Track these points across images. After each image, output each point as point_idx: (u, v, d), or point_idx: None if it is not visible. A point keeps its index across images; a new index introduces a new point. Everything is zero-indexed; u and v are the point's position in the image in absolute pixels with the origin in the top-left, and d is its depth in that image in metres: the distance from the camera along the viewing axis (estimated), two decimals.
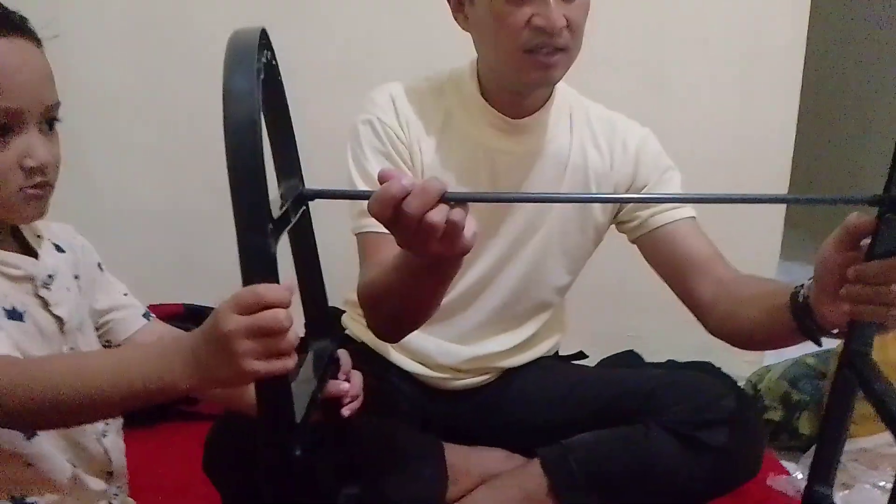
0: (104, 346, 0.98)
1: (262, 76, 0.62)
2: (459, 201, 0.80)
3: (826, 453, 0.91)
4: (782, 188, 1.98)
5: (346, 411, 0.91)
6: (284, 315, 0.64)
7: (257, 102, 0.59)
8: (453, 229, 0.79)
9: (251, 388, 0.66)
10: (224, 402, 1.04)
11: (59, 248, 0.93)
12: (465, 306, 1.30)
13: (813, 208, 2.07)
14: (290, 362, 0.65)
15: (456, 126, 1.23)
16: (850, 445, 1.42)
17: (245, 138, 0.58)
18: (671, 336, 2.02)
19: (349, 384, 0.92)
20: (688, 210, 1.23)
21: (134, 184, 1.94)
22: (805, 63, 1.94)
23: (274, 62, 0.69)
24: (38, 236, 0.91)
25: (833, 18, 3.03)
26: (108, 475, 0.94)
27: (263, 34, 0.65)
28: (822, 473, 0.91)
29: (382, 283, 1.03)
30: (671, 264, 1.22)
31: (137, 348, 0.79)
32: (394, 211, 0.78)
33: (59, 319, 0.88)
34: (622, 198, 1.29)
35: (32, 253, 0.89)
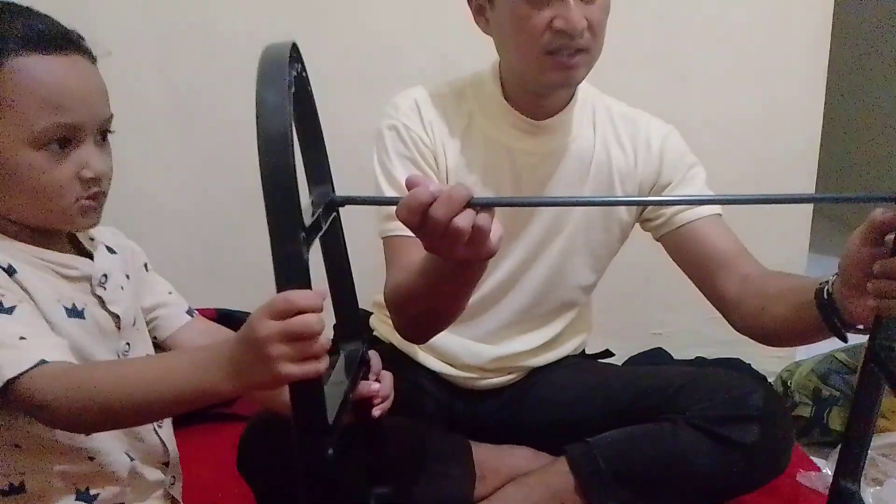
0: (152, 341, 1.03)
1: (292, 89, 0.64)
2: (485, 206, 0.82)
3: (853, 449, 0.91)
4: (809, 181, 1.96)
5: (376, 412, 0.93)
6: (316, 319, 0.66)
7: (289, 116, 0.61)
8: (479, 234, 0.81)
9: (286, 390, 0.68)
10: (262, 402, 1.08)
11: (110, 250, 0.98)
12: (491, 306, 1.32)
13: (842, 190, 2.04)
14: (321, 365, 0.67)
15: (478, 128, 1.24)
16: (880, 440, 1.42)
17: (278, 151, 0.60)
18: (699, 332, 2.03)
19: (379, 385, 0.93)
20: (712, 207, 1.23)
21: (163, 188, 1.97)
22: (830, 54, 1.92)
23: (304, 74, 0.71)
24: (92, 239, 0.96)
25: (860, 10, 3.00)
26: (165, 465, 0.99)
27: (294, 48, 0.67)
28: (850, 469, 0.92)
29: (409, 286, 1.05)
30: (696, 262, 1.22)
31: (181, 356, 0.82)
32: (421, 216, 0.80)
33: (115, 316, 0.93)
34: (646, 200, 1.29)
35: (87, 255, 0.93)
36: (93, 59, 0.89)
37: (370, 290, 1.37)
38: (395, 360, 1.32)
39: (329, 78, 1.94)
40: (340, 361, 0.86)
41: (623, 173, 1.27)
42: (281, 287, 0.65)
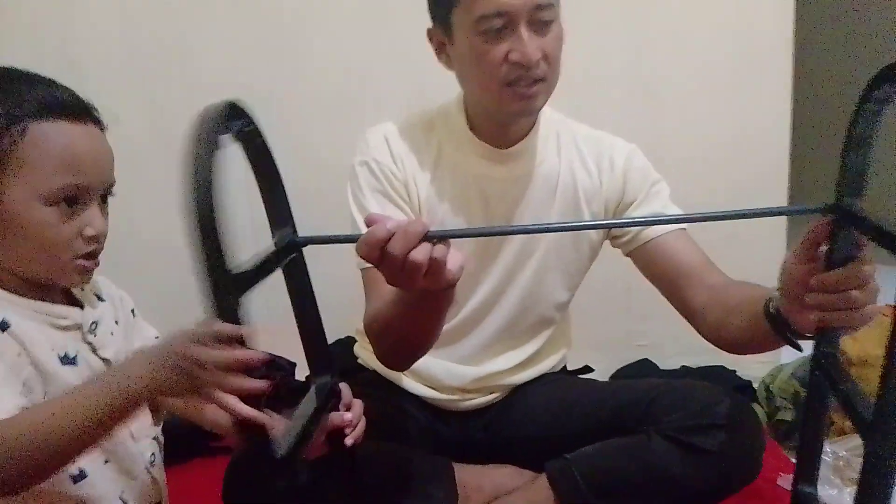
0: None
1: (217, 148, 0.67)
2: (441, 238, 0.86)
3: (808, 453, 0.94)
4: (781, 190, 2.00)
5: (348, 440, 0.96)
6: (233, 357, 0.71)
7: (211, 174, 0.64)
8: (436, 265, 0.85)
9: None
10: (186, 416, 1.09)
11: (99, 298, 1.03)
12: (470, 329, 1.35)
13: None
14: (243, 382, 0.71)
15: (447, 159, 1.28)
16: (853, 442, 1.45)
17: (201, 206, 0.64)
18: (684, 341, 2.01)
19: (350, 414, 0.97)
20: None
21: (157, 223, 2.01)
22: (797, 63, 1.96)
23: (249, 127, 0.76)
24: (81, 288, 1.01)
25: (821, 19, 3.05)
26: None
27: (233, 107, 0.72)
28: (807, 473, 0.94)
29: (383, 316, 1.09)
30: (664, 275, 1.26)
31: (98, 378, 0.85)
32: (380, 252, 0.85)
33: (106, 361, 0.97)
34: (604, 224, 1.34)
35: (78, 304, 0.98)
36: (103, 128, 0.96)
37: (353, 319, 1.41)
38: (380, 386, 1.37)
39: (308, 108, 2.01)
40: (310, 395, 0.90)
41: (589, 194, 1.30)
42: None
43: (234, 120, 0.72)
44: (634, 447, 1.23)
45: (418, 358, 1.18)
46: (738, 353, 1.17)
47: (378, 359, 1.23)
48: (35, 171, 0.88)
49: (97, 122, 0.95)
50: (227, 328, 0.70)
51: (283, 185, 0.86)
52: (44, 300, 0.94)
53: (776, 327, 0.97)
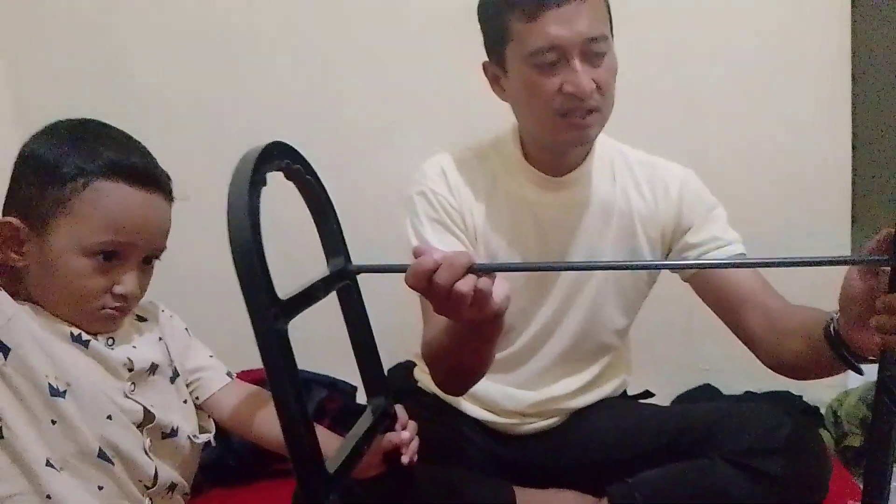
0: (193, 402, 1.11)
1: (263, 186, 0.72)
2: (487, 271, 0.89)
3: (875, 479, 0.91)
4: (844, 199, 1.94)
5: (404, 459, 0.98)
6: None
7: (249, 211, 0.68)
8: (481, 296, 0.88)
9: None
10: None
11: (140, 318, 1.08)
12: (529, 355, 1.37)
13: (881, 210, 1.98)
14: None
15: (502, 188, 1.31)
16: None
17: (243, 242, 0.67)
18: (748, 366, 1.98)
19: (407, 434, 0.99)
20: (735, 247, 1.26)
21: (202, 253, 2.07)
22: (856, 76, 1.91)
23: (296, 165, 0.80)
24: None
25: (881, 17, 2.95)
26: None
27: (277, 146, 0.76)
28: (875, 500, 0.92)
29: (437, 343, 1.12)
30: (722, 301, 1.26)
31: None
32: (427, 282, 0.88)
33: (128, 359, 1.00)
34: (655, 264, 1.33)
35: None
36: (170, 199, 1.01)
37: (412, 344, 1.43)
38: (439, 410, 1.39)
39: (352, 142, 2.05)
40: (366, 415, 0.92)
41: (645, 219, 1.31)
42: (266, 356, 0.69)
43: (278, 160, 0.76)
44: (697, 471, 1.22)
45: (472, 384, 1.20)
46: (799, 379, 1.17)
47: (435, 384, 1.25)
48: (82, 222, 0.92)
49: (164, 191, 0.99)
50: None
51: (336, 217, 0.90)
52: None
53: (836, 350, 0.96)
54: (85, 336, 0.97)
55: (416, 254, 0.89)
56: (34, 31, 2.06)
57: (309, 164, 0.83)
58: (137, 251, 0.97)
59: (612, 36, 1.20)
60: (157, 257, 1.01)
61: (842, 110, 1.92)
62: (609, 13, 1.20)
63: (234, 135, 2.03)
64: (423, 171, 1.32)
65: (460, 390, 1.26)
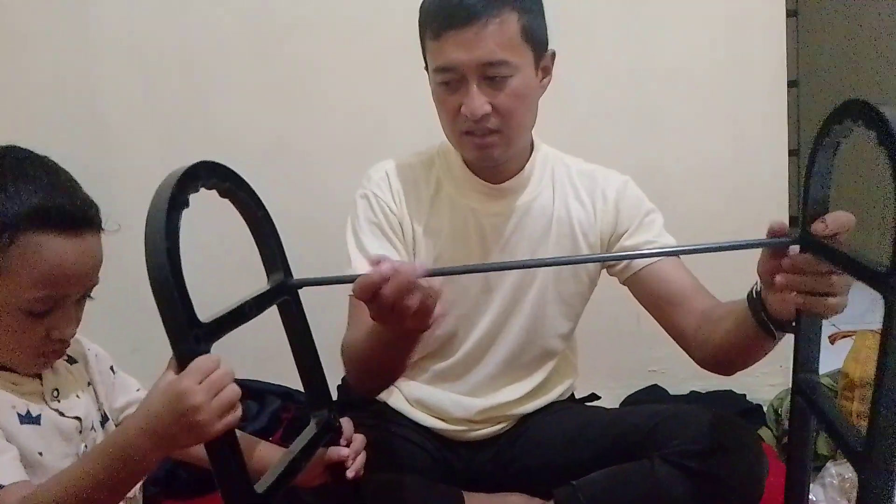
0: None
1: (184, 208, 0.71)
2: (436, 275, 0.91)
3: (795, 478, 0.94)
4: (782, 210, 2.02)
5: (349, 473, 0.99)
6: (224, 371, 0.73)
7: (171, 235, 0.68)
8: (424, 310, 0.90)
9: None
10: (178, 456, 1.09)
11: (71, 360, 1.04)
12: (475, 362, 1.38)
13: None
14: (238, 411, 0.74)
15: (446, 194, 1.33)
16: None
17: (159, 266, 0.67)
18: (692, 366, 2.04)
19: (349, 449, 0.99)
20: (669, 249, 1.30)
21: None
22: (801, 93, 2.00)
23: (226, 184, 0.81)
24: None
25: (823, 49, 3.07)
26: None
27: (203, 167, 0.76)
28: (795, 499, 0.95)
29: (358, 346, 1.15)
30: (657, 301, 1.30)
31: (97, 455, 0.81)
32: (373, 295, 0.89)
33: (78, 419, 0.98)
34: (583, 258, 1.36)
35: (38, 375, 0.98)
36: (99, 230, 0.94)
37: None
38: (388, 418, 1.40)
39: (322, 151, 2.08)
40: (308, 430, 0.93)
41: (584, 226, 1.34)
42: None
43: (204, 179, 0.76)
44: (638, 472, 1.25)
45: (385, 388, 1.27)
46: (728, 370, 1.20)
47: (350, 383, 1.26)
48: (16, 280, 0.86)
49: (95, 227, 0.93)
50: (211, 357, 0.72)
51: (275, 232, 0.91)
52: (4, 369, 0.94)
53: (756, 315, 1.01)
54: (34, 411, 0.93)
55: (370, 263, 0.91)
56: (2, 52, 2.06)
57: (242, 181, 0.83)
58: (72, 297, 0.92)
59: (547, 52, 1.22)
60: (90, 296, 0.96)
61: (779, 125, 2.00)
62: (528, 36, 1.18)
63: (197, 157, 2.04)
64: (369, 175, 1.35)
65: (371, 392, 1.31)
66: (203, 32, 2.06)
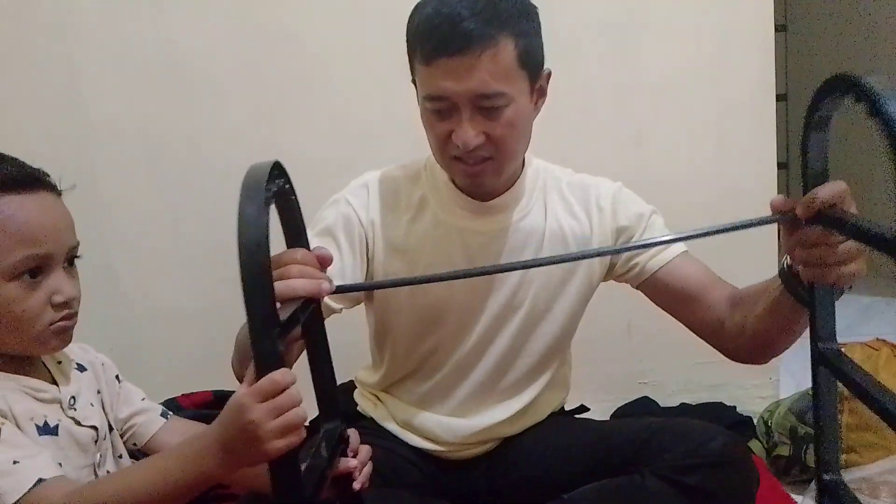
0: (130, 448, 1.08)
1: (273, 203, 0.73)
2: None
3: (827, 447, 0.92)
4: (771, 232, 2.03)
5: (356, 485, 0.98)
6: (296, 392, 0.74)
7: (264, 227, 0.69)
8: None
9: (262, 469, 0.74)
10: (242, 483, 1.12)
11: (80, 368, 1.04)
12: (459, 380, 1.36)
13: None
14: (300, 435, 0.74)
15: (430, 210, 1.30)
16: (851, 475, 1.46)
17: (255, 260, 0.68)
18: (685, 378, 2.08)
19: (357, 460, 0.99)
20: (678, 246, 1.29)
21: (156, 286, 2.06)
22: (790, 107, 2.02)
23: (287, 186, 0.80)
24: (59, 362, 1.02)
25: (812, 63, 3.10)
26: None
27: (276, 166, 0.76)
28: (830, 464, 0.92)
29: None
30: (677, 300, 1.28)
31: (171, 454, 0.86)
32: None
33: (94, 429, 0.98)
34: (539, 260, 1.29)
35: (54, 382, 0.99)
36: (58, 193, 0.97)
37: (354, 365, 1.46)
38: (378, 434, 1.38)
39: (310, 164, 2.07)
40: (321, 439, 0.92)
41: (580, 240, 1.31)
42: (261, 374, 0.72)
43: (279, 178, 0.77)
44: (628, 487, 1.24)
45: None
46: (767, 354, 1.19)
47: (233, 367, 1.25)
48: None
49: (52, 188, 0.96)
50: (286, 374, 0.73)
51: (307, 241, 0.90)
52: (24, 374, 0.95)
53: (788, 285, 1.01)
54: (51, 421, 0.93)
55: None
56: None
57: (293, 187, 0.83)
58: (57, 256, 0.93)
59: (541, 79, 1.20)
60: (76, 256, 0.98)
61: (768, 138, 2.02)
62: (524, 62, 1.14)
63: (184, 165, 2.06)
64: (350, 183, 1.34)
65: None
66: (190, 42, 2.05)
